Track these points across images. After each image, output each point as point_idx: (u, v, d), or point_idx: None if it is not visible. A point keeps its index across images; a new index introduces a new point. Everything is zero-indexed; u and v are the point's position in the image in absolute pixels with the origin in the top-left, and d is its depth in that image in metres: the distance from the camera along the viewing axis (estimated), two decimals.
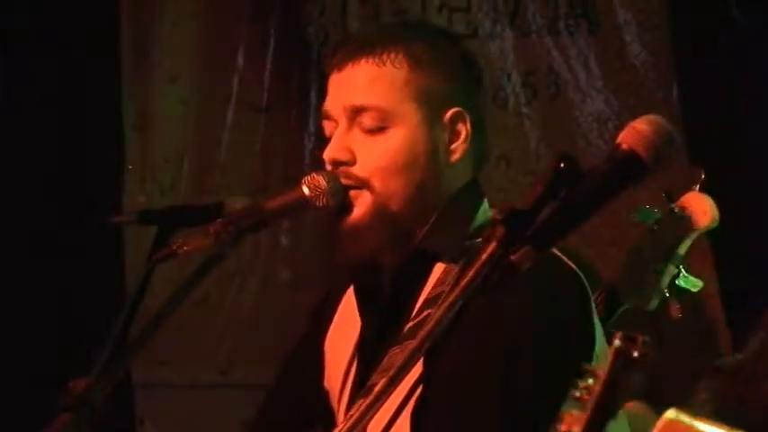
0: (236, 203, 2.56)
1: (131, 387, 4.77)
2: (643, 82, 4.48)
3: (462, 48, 2.77)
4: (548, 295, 2.54)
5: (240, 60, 4.90)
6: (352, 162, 2.65)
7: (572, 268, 2.61)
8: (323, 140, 2.73)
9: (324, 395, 2.80)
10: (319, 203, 2.63)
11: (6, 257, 4.87)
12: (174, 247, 2.50)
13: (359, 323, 2.76)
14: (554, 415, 2.57)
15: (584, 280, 2.61)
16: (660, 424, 2.06)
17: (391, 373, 1.92)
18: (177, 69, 4.96)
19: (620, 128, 2.05)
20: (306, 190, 2.63)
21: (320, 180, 2.64)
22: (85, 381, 2.29)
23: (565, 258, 2.60)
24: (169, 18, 4.98)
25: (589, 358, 2.61)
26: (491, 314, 2.38)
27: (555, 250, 2.57)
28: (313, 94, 4.75)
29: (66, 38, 4.87)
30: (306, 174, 2.66)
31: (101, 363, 2.34)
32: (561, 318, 2.57)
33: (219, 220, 2.50)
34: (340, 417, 2.75)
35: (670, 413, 1.93)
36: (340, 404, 2.76)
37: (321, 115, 2.72)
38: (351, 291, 2.80)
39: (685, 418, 1.91)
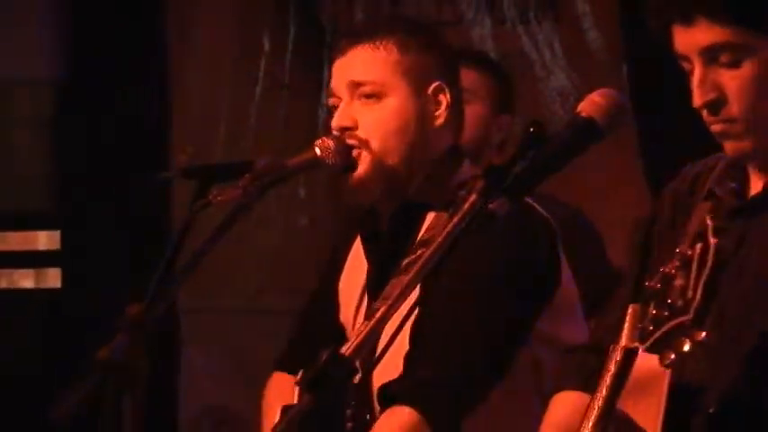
0: (262, 162, 2.56)
1: (176, 313, 4.78)
2: (598, 62, 4.47)
3: (440, 36, 2.81)
4: (520, 234, 2.57)
5: (266, 44, 4.89)
6: (355, 127, 2.66)
7: (542, 214, 2.64)
8: (333, 111, 2.73)
9: (341, 328, 2.81)
10: (329, 161, 2.64)
11: (78, 207, 4.88)
12: (211, 198, 2.50)
13: (366, 266, 2.76)
14: (522, 329, 2.61)
15: (552, 222, 2.64)
16: None
17: (390, 300, 1.92)
18: (214, 51, 4.95)
19: (579, 100, 2.04)
20: (318, 150, 2.64)
21: (329, 142, 2.65)
22: (138, 307, 2.28)
23: (538, 207, 2.63)
24: (206, 7, 4.97)
25: (554, 287, 2.64)
26: (476, 250, 2.39)
27: (531, 200, 2.60)
28: (326, 72, 4.73)
29: (123, 25, 4.86)
30: (319, 138, 2.67)
31: (151, 292, 2.33)
32: (530, 254, 2.61)
33: (248, 175, 2.50)
34: None
35: None
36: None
37: (327, 93, 2.74)
38: (359, 242, 2.81)
39: None
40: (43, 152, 5.03)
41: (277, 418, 2.73)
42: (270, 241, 4.84)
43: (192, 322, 4.86)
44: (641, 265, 2.27)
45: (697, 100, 2.06)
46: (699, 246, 1.74)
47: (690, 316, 1.75)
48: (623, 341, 1.87)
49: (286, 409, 2.73)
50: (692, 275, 1.76)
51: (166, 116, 4.93)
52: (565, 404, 2.27)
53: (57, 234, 5.00)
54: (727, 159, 2.16)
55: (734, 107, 2.04)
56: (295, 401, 2.79)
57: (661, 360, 1.83)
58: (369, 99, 2.65)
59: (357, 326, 2.71)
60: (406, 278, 1.92)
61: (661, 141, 4.07)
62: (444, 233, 1.94)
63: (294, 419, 1.83)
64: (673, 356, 1.79)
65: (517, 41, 4.59)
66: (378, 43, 2.66)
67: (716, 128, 2.07)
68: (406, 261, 2.57)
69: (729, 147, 2.09)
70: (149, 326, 2.25)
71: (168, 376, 4.79)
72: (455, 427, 2.55)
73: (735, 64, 2.03)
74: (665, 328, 1.78)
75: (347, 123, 2.66)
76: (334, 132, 2.67)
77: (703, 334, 1.76)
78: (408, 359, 2.55)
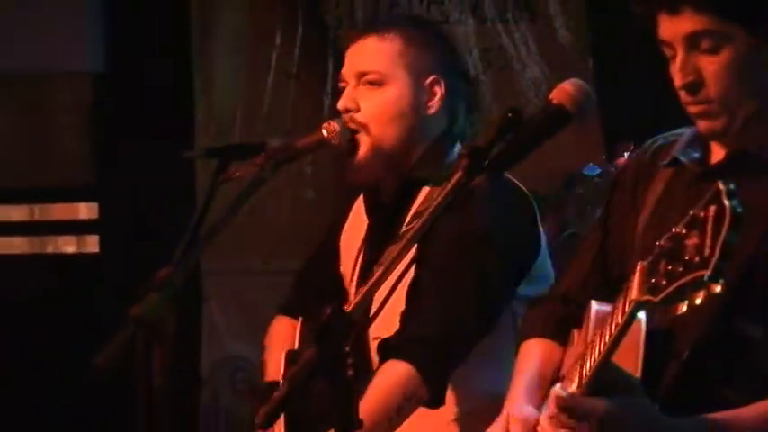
0: (274, 143, 2.54)
1: (200, 273, 4.78)
2: (567, 56, 4.47)
3: (443, 33, 2.79)
4: (506, 207, 2.57)
5: (277, 40, 4.87)
6: (356, 110, 2.66)
7: (524, 190, 2.64)
8: (337, 98, 2.73)
9: (340, 278, 2.81)
10: (334, 142, 2.63)
11: (114, 182, 4.88)
12: (231, 174, 2.49)
13: (365, 224, 2.76)
14: (508, 290, 2.60)
15: (532, 199, 2.65)
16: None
17: (389, 261, 1.92)
18: (232, 46, 4.93)
19: (550, 90, 2.03)
20: (324, 132, 2.63)
21: (335, 125, 2.64)
22: (168, 269, 2.28)
23: (520, 185, 2.63)
24: (227, 8, 4.95)
25: (535, 254, 2.63)
26: (466, 219, 2.40)
27: (516, 181, 2.60)
28: (330, 65, 4.72)
29: (153, 23, 4.85)
30: (324, 121, 2.66)
31: (178, 256, 2.33)
32: (514, 223, 2.61)
33: (263, 154, 2.49)
34: (351, 292, 2.75)
35: None
36: (351, 284, 2.77)
37: (338, 78, 2.73)
38: (359, 202, 2.80)
39: None
40: (83, 134, 5.03)
41: (282, 363, 2.74)
42: (280, 212, 4.84)
43: (213, 282, 4.86)
44: (603, 229, 2.27)
45: (677, 81, 2.05)
46: (713, 208, 1.66)
47: (708, 271, 1.63)
48: (633, 294, 1.78)
49: (290, 354, 2.74)
50: (708, 235, 1.64)
51: (192, 102, 4.92)
52: (534, 352, 2.26)
53: (95, 205, 5.02)
54: (691, 133, 2.15)
55: (711, 89, 2.03)
56: (296, 345, 2.80)
57: (672, 311, 1.73)
58: (372, 86, 2.65)
59: (355, 277, 2.72)
60: (401, 244, 1.92)
61: (621, 126, 4.07)
62: (435, 203, 1.94)
63: (303, 368, 1.82)
64: (684, 308, 1.70)
65: (497, 38, 4.58)
66: (385, 35, 2.65)
67: (692, 108, 2.06)
68: (402, 230, 2.57)
69: (703, 125, 2.07)
70: (177, 285, 2.25)
71: (192, 330, 4.80)
72: (444, 381, 2.55)
73: (714, 50, 2.02)
74: (679, 283, 1.68)
75: (350, 105, 2.66)
76: (341, 112, 2.67)
77: (719, 287, 1.64)
78: (405, 316, 2.55)
